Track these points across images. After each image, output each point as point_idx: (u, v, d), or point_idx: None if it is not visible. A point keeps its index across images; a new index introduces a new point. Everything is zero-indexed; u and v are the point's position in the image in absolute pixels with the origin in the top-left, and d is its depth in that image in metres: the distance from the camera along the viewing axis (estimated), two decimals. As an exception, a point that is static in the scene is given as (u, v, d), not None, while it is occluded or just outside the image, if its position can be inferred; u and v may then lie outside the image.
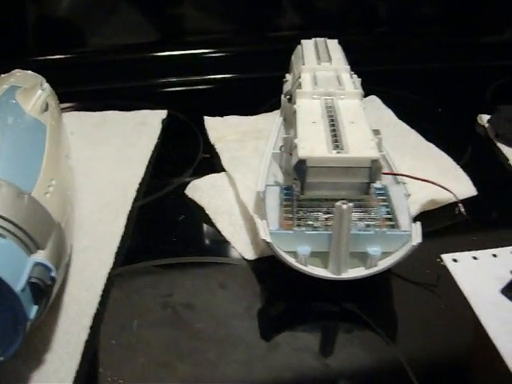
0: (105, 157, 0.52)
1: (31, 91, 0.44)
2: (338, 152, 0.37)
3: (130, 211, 0.45)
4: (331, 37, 0.60)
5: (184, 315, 0.37)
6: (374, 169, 0.37)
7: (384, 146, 0.47)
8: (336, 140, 0.39)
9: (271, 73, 0.61)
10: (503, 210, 0.48)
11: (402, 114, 0.60)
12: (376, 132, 0.42)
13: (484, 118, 0.60)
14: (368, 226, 0.38)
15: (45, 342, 0.34)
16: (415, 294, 0.39)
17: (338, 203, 0.34)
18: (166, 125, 0.59)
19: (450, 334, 0.36)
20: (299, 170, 0.37)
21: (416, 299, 0.39)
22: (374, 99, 0.62)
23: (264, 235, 0.36)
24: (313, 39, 0.58)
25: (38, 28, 0.71)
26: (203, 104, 0.65)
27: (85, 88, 0.68)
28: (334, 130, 0.40)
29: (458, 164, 0.52)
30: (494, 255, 0.43)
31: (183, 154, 0.54)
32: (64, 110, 0.58)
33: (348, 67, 0.50)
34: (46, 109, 0.45)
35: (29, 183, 0.33)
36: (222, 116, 0.59)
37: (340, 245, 0.36)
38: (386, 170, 0.44)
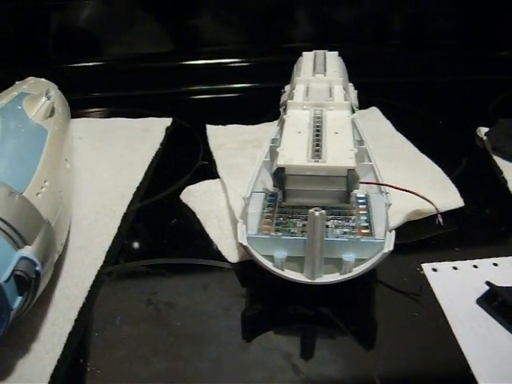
0: (108, 161, 0.54)
1: (37, 98, 0.47)
2: (316, 161, 0.38)
3: (126, 213, 0.48)
4: (343, 49, 0.62)
5: (165, 313, 0.39)
6: (350, 178, 0.38)
7: (373, 156, 0.48)
8: (317, 149, 0.40)
9: (282, 83, 0.62)
10: (489, 223, 0.48)
11: (403, 126, 0.61)
12: (360, 143, 0.43)
13: (483, 131, 0.60)
14: (345, 233, 0.39)
15: (33, 332, 0.36)
16: (391, 301, 0.40)
17: (311, 210, 0.36)
18: (170, 132, 0.62)
19: (421, 342, 0.37)
20: (278, 178, 0.39)
21: (392, 306, 0.40)
22: (374, 110, 0.64)
23: (241, 239, 0.38)
24: (313, 51, 0.59)
25: (58, 37, 0.75)
26: (210, 113, 0.67)
27: (98, 95, 0.72)
28: (317, 140, 0.41)
29: (452, 175, 0.53)
30: (475, 266, 0.43)
31: (183, 161, 0.56)
32: (75, 116, 0.62)
33: (341, 79, 0.51)
34: (51, 115, 0.48)
35: (22, 184, 0.36)
36: (224, 125, 0.61)
37: (314, 250, 0.37)
38: (372, 180, 0.46)
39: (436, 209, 0.42)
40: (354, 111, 0.53)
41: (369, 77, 0.73)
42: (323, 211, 0.36)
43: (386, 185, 0.44)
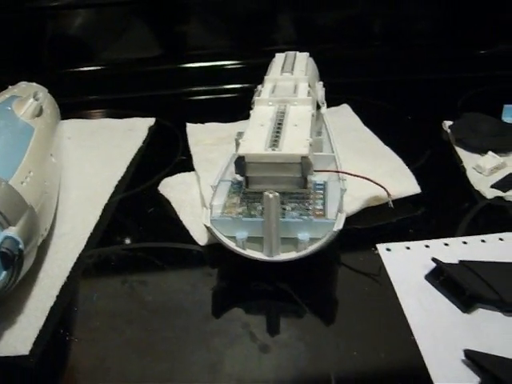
0: (94, 158, 0.59)
1: (25, 99, 0.51)
2: (273, 149, 0.42)
3: (107, 204, 0.52)
4: (322, 50, 0.66)
5: (138, 290, 0.43)
6: (304, 164, 0.42)
7: (336, 148, 0.52)
8: (276, 140, 0.44)
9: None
10: (444, 207, 0.52)
11: (374, 121, 0.65)
12: (319, 134, 0.47)
13: (448, 125, 0.63)
14: (301, 215, 0.43)
15: (19, 306, 0.41)
16: (346, 278, 0.44)
17: (266, 193, 0.40)
18: (153, 131, 0.66)
19: (371, 313, 0.40)
20: (238, 165, 0.42)
21: (346, 282, 0.44)
22: (345, 107, 0.68)
23: (205, 221, 0.42)
24: (285, 52, 0.63)
25: (52, 44, 0.80)
26: (192, 113, 0.72)
27: (89, 98, 0.77)
28: (277, 132, 0.45)
29: (415, 165, 0.56)
30: (427, 246, 0.47)
31: (163, 157, 0.60)
32: (66, 117, 0.67)
33: (306, 77, 0.55)
34: (39, 115, 0.52)
35: (8, 173, 0.40)
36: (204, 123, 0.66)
37: (270, 230, 0.41)
38: (333, 168, 0.49)
39: (387, 193, 0.46)
40: (319, 107, 0.57)
41: (345, 76, 0.78)
42: (277, 194, 0.40)
43: (343, 172, 0.47)
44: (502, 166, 0.56)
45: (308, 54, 0.63)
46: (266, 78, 0.56)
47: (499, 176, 0.55)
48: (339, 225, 0.41)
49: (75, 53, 0.81)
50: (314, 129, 0.48)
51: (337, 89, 0.71)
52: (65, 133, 0.63)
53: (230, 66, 0.85)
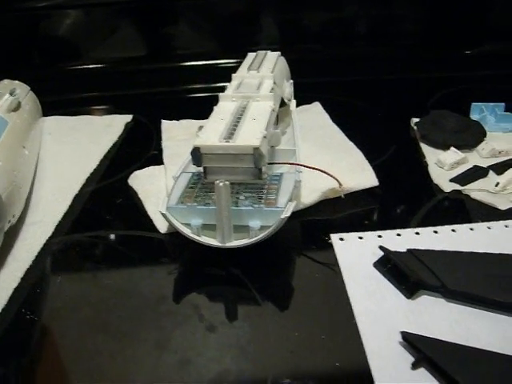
0: (70, 152, 0.62)
1: (1, 95, 0.54)
2: (227, 141, 0.44)
3: (78, 195, 0.55)
4: (301, 51, 0.67)
5: (99, 274, 0.45)
6: (256, 155, 0.44)
7: (298, 142, 0.54)
8: (231, 132, 0.46)
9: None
10: (400, 200, 0.53)
11: (344, 118, 0.67)
12: (275, 127, 0.49)
13: (415, 121, 0.65)
14: (253, 203, 0.45)
15: (-16, 287, 0.43)
16: (297, 264, 0.46)
17: (217, 181, 0.42)
18: (130, 127, 0.69)
19: (316, 298, 0.42)
20: (194, 156, 0.45)
21: (296, 269, 0.45)
22: (316, 105, 0.70)
23: (161, 208, 0.44)
24: (257, 52, 0.66)
25: (40, 44, 0.84)
26: (171, 111, 0.73)
27: (74, 96, 0.80)
28: (234, 125, 0.47)
29: (378, 160, 0.58)
30: (380, 236, 0.49)
31: (136, 151, 0.63)
32: (51, 114, 0.70)
33: (272, 75, 0.57)
34: (16, 109, 0.55)
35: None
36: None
37: (222, 217, 0.43)
38: (293, 162, 0.51)
39: (339, 183, 0.48)
40: (285, 103, 0.59)
41: (321, 75, 0.81)
42: (227, 183, 0.42)
43: (299, 164, 0.49)
44: (463, 161, 0.57)
45: (279, 53, 0.65)
46: (233, 75, 0.58)
47: (460, 171, 0.56)
48: (287, 212, 0.43)
49: (63, 52, 0.84)
50: (273, 123, 0.50)
51: (312, 87, 0.74)
52: (46, 128, 0.66)
53: (214, 66, 0.87)
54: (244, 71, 0.59)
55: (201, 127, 0.51)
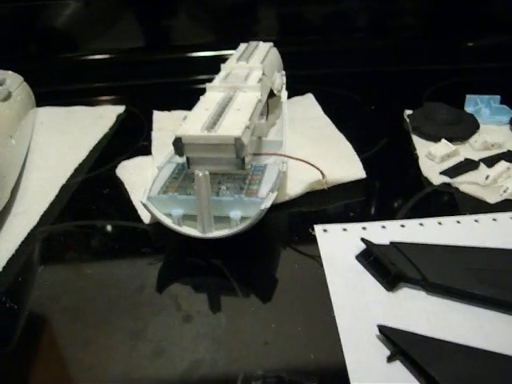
0: (61, 143, 0.62)
1: (-8, 86, 0.54)
2: (208, 131, 0.44)
3: (66, 185, 0.55)
4: (297, 42, 0.66)
5: (81, 263, 0.45)
6: (238, 145, 0.43)
7: (286, 134, 0.54)
8: (214, 122, 0.46)
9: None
10: (388, 192, 0.53)
11: (337, 110, 0.66)
12: (260, 118, 0.49)
13: (408, 113, 0.64)
14: (234, 194, 0.45)
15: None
16: (278, 256, 0.46)
17: (196, 171, 0.41)
18: (122, 118, 0.69)
19: (295, 290, 0.42)
20: (176, 146, 0.44)
21: (277, 260, 0.45)
22: (309, 96, 0.69)
23: (141, 198, 0.44)
24: (249, 42, 0.65)
25: (39, 35, 0.84)
26: (165, 102, 0.74)
27: (70, 87, 0.80)
28: (218, 115, 0.47)
29: (369, 152, 0.58)
30: (364, 228, 0.48)
31: (126, 142, 0.63)
32: (46, 104, 0.70)
33: (261, 65, 0.56)
34: (5, 99, 0.55)
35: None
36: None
37: (202, 207, 0.43)
38: (282, 152, 0.51)
39: (322, 175, 0.47)
40: (274, 94, 0.59)
41: (316, 67, 0.80)
42: (207, 172, 0.41)
43: (283, 155, 0.49)
44: (454, 154, 0.57)
45: (271, 44, 0.65)
46: (222, 65, 0.58)
47: (451, 163, 0.56)
48: (267, 203, 0.42)
49: (60, 43, 0.84)
50: (258, 114, 0.49)
51: (308, 79, 0.73)
52: (38, 119, 0.66)
53: (212, 57, 0.87)
54: (233, 62, 0.59)
55: (185, 117, 0.50)
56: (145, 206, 0.44)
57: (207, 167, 0.45)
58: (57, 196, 0.53)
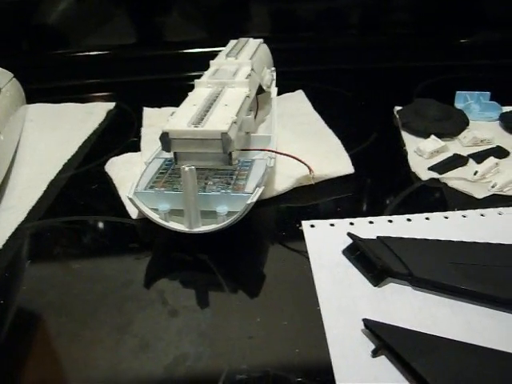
0: (50, 139, 0.62)
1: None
2: (195, 126, 0.44)
3: (54, 180, 0.55)
4: (289, 39, 0.67)
5: (68, 258, 0.45)
6: (224, 140, 0.43)
7: (275, 129, 0.54)
8: (201, 118, 0.46)
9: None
10: (376, 188, 0.53)
11: (328, 107, 0.66)
12: (247, 113, 0.49)
13: (397, 109, 0.64)
14: (221, 189, 0.45)
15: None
16: (265, 251, 0.46)
17: (182, 166, 0.41)
18: (112, 115, 0.69)
19: (281, 285, 0.42)
20: (163, 141, 0.44)
21: (264, 255, 0.45)
22: (299, 93, 0.70)
23: (128, 193, 0.44)
24: (239, 39, 0.65)
25: (32, 31, 0.84)
26: (156, 98, 0.73)
27: (62, 83, 0.80)
28: (205, 111, 0.47)
29: (357, 148, 0.58)
30: (351, 223, 0.48)
31: (116, 138, 0.63)
32: (38, 101, 0.70)
33: (250, 61, 0.56)
34: (-7, 96, 0.55)
35: None
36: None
37: (188, 202, 0.43)
38: (270, 148, 0.51)
39: (309, 170, 0.47)
40: (263, 90, 0.59)
41: (309, 64, 0.80)
42: (193, 167, 0.41)
43: (270, 150, 0.49)
44: (443, 150, 0.57)
45: (261, 40, 0.65)
46: (211, 62, 0.58)
47: (440, 159, 0.56)
48: (253, 198, 0.43)
49: (51, 40, 0.84)
50: (246, 109, 0.49)
51: (299, 75, 0.73)
52: (29, 115, 0.66)
53: (204, 54, 0.86)
54: (222, 58, 0.59)
55: (173, 113, 0.50)
56: (131, 200, 0.44)
57: (194, 162, 0.46)
58: (45, 191, 0.53)
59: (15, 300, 0.41)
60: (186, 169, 0.41)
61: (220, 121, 0.45)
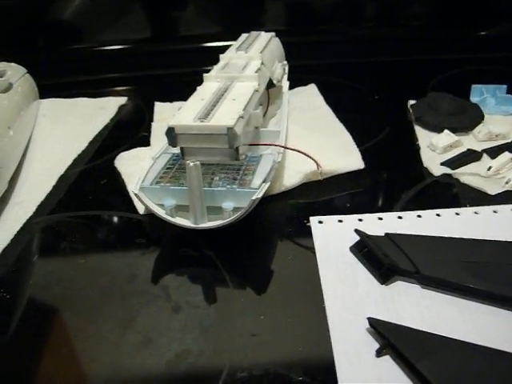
0: (62, 134, 0.62)
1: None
2: (201, 121, 0.44)
3: (64, 175, 0.55)
4: (302, 33, 0.66)
5: (74, 253, 0.46)
6: (230, 135, 0.43)
7: (284, 124, 0.53)
8: (208, 112, 0.45)
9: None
10: (387, 183, 0.52)
11: (340, 101, 0.66)
12: (256, 107, 0.48)
13: (411, 103, 0.63)
14: (227, 184, 0.44)
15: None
16: (272, 247, 0.45)
17: (187, 162, 0.41)
18: (124, 109, 0.69)
19: (287, 282, 0.41)
20: (170, 137, 0.44)
21: (271, 251, 0.45)
22: (312, 86, 0.69)
23: (134, 188, 0.44)
24: (250, 32, 0.64)
25: (44, 28, 0.84)
26: (173, 93, 0.73)
27: (76, 79, 0.81)
28: (213, 105, 0.47)
29: (370, 142, 0.57)
30: (360, 219, 0.47)
31: (127, 133, 0.63)
32: (47, 96, 0.71)
33: (260, 55, 0.56)
34: (5, 91, 0.56)
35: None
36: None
37: (194, 198, 0.42)
38: (279, 143, 0.50)
39: (317, 165, 0.47)
40: (273, 84, 0.58)
41: (321, 58, 0.79)
42: (198, 162, 0.41)
43: (278, 145, 0.48)
44: (456, 145, 0.55)
45: (273, 34, 0.64)
46: (220, 56, 0.57)
47: (453, 154, 0.55)
48: (259, 194, 0.42)
49: (66, 35, 0.85)
50: (254, 104, 0.49)
51: (313, 69, 0.73)
52: (41, 110, 0.66)
53: (218, 48, 0.86)
54: (232, 52, 0.58)
55: (180, 108, 0.50)
56: (137, 196, 0.44)
57: (201, 157, 0.45)
58: (54, 186, 0.53)
59: (20, 295, 0.42)
60: (191, 164, 0.41)
61: (226, 115, 0.44)
